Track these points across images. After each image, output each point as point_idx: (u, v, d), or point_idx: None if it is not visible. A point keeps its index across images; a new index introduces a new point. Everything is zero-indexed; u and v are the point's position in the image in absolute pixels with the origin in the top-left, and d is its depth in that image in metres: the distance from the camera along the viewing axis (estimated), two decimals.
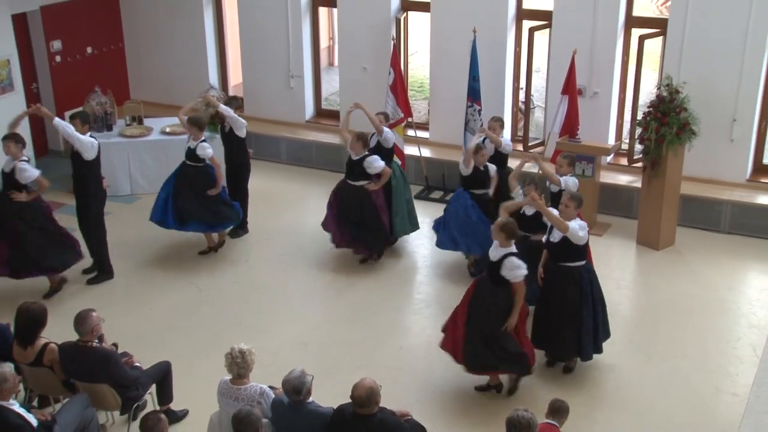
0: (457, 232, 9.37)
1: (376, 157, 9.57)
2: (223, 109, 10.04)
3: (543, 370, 7.88)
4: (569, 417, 6.94)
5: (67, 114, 11.69)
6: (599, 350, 7.83)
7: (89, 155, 9.05)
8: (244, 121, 10.20)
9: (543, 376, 7.81)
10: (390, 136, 10.01)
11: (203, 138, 9.82)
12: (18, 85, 11.65)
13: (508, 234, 7.15)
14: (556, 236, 7.56)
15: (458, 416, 7.37)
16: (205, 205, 9.74)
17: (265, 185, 10.86)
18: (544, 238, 7.78)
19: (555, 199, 8.58)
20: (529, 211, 8.28)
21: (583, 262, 7.65)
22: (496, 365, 7.36)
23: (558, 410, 6.06)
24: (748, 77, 10.31)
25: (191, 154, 9.75)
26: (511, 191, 8.83)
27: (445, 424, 7.10)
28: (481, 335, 7.24)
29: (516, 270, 7.12)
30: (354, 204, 9.65)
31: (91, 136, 9.18)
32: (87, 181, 9.21)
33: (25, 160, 8.82)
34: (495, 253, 7.25)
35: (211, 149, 9.76)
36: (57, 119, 9.07)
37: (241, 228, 10.54)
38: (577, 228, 7.42)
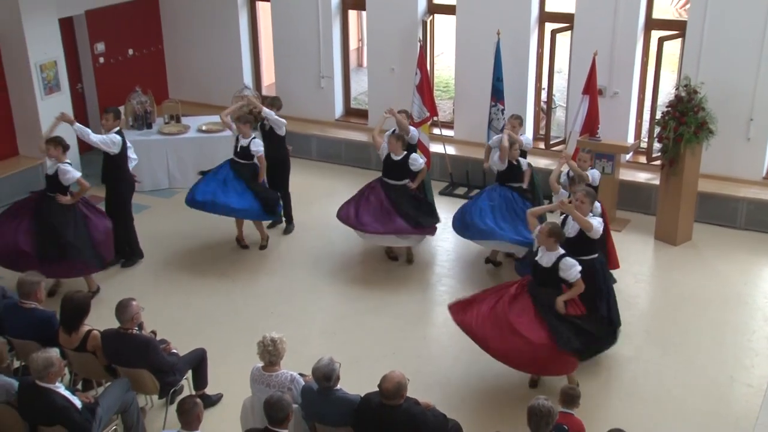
0: (501, 221, 9.19)
1: (416, 155, 9.60)
2: (266, 112, 10.08)
3: None
4: (588, 406, 6.95)
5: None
6: (614, 339, 7.75)
7: (112, 150, 9.16)
8: (284, 120, 10.21)
9: None
10: (414, 133, 10.07)
11: (254, 135, 9.91)
12: (64, 86, 11.78)
13: (557, 237, 7.16)
14: (571, 231, 7.52)
15: (480, 404, 7.38)
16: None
17: (296, 181, 10.88)
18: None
19: None
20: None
21: (596, 255, 7.61)
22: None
23: (571, 399, 6.00)
24: (764, 78, 10.19)
25: (244, 152, 9.82)
26: (553, 193, 8.67)
27: (467, 412, 7.09)
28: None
29: (573, 268, 7.11)
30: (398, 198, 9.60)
31: (118, 132, 9.23)
32: (114, 172, 9.35)
33: (67, 163, 8.91)
34: (547, 258, 7.21)
35: (262, 146, 9.88)
36: (77, 124, 9.16)
37: (290, 223, 10.60)
38: (597, 225, 7.46)
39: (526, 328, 7.02)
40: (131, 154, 9.53)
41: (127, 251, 9.71)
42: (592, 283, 7.49)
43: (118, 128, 9.27)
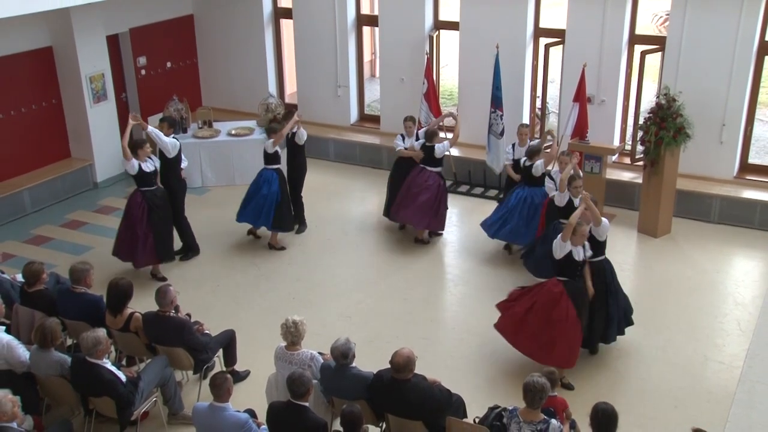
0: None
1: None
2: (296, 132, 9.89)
3: None
4: (578, 381, 6.93)
5: (147, 117, 11.90)
6: (622, 332, 7.66)
7: (171, 154, 9.16)
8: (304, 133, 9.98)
9: None
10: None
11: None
12: (110, 95, 11.83)
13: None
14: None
15: (481, 381, 7.36)
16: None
17: (315, 180, 10.91)
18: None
19: (562, 211, 8.25)
20: (561, 202, 8.11)
21: (603, 257, 7.45)
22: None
23: (552, 382, 5.80)
24: (735, 87, 10.14)
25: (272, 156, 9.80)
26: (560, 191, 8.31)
27: (470, 388, 7.07)
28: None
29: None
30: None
31: (173, 137, 9.29)
32: (169, 175, 9.29)
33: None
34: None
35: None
36: (150, 127, 9.12)
37: (302, 224, 10.42)
38: (606, 223, 7.34)
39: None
40: (183, 157, 9.50)
41: (184, 246, 9.72)
42: (602, 282, 7.38)
43: (171, 136, 9.26)
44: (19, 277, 7.44)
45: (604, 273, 7.45)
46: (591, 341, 7.57)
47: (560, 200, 8.15)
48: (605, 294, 7.42)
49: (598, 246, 7.41)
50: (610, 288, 7.48)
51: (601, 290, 7.38)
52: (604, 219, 7.35)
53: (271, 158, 9.75)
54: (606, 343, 7.65)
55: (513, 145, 9.76)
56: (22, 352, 6.46)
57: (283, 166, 9.99)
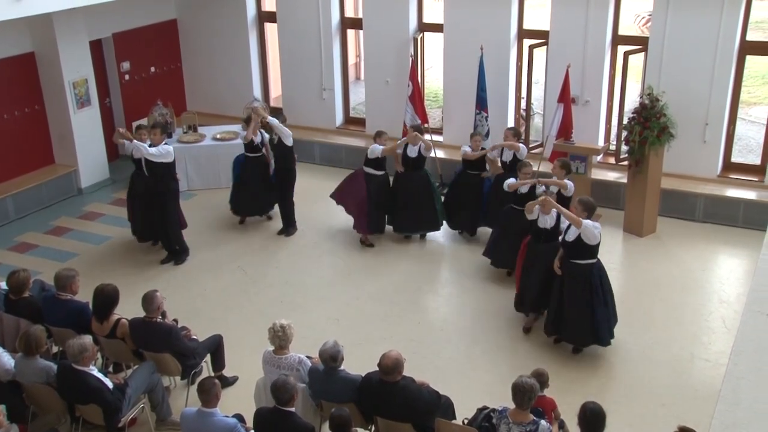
0: None
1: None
2: (271, 120, 9.93)
3: (548, 347, 7.86)
4: (562, 382, 6.96)
5: (134, 123, 11.86)
6: (612, 335, 7.65)
7: (167, 159, 9.11)
8: (289, 131, 10.00)
9: (544, 352, 7.81)
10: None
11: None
12: (94, 100, 11.76)
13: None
14: (570, 236, 7.34)
15: (470, 382, 7.37)
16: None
17: (301, 183, 10.86)
18: (560, 238, 7.57)
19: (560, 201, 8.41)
20: (524, 188, 8.60)
21: (594, 260, 7.40)
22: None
23: (544, 383, 5.91)
24: (718, 87, 10.22)
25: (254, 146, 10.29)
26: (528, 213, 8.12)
27: (458, 390, 7.06)
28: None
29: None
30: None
31: (165, 143, 9.26)
32: (167, 177, 9.23)
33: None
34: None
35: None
36: (135, 141, 9.04)
37: (291, 227, 10.45)
38: (590, 225, 7.24)
39: None
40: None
41: (177, 250, 9.70)
42: (588, 285, 7.38)
43: (164, 142, 9.23)
44: (3, 285, 7.37)
45: (591, 277, 7.39)
46: (578, 341, 7.63)
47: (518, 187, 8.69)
48: (591, 297, 7.40)
49: (587, 248, 7.34)
50: (596, 292, 7.43)
51: (586, 291, 7.39)
52: (589, 222, 7.31)
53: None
54: (603, 346, 7.62)
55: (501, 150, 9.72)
56: (7, 360, 6.41)
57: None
